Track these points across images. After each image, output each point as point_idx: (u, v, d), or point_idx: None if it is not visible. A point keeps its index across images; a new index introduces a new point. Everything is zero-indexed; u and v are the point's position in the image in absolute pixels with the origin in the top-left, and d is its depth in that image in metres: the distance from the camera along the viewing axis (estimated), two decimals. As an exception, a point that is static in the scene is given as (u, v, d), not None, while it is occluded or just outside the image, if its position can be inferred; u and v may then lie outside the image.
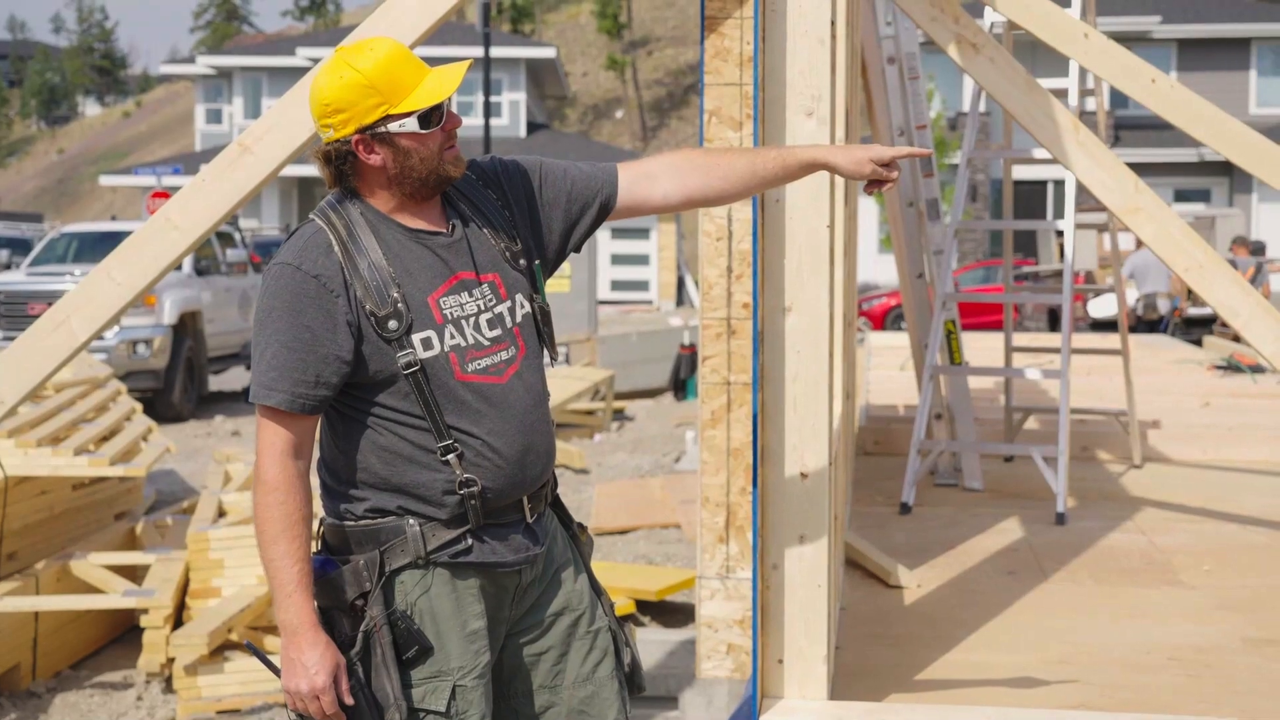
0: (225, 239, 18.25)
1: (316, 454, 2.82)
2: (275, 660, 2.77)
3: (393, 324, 2.68)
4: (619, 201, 2.96)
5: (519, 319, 2.81)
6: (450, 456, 2.71)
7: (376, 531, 2.73)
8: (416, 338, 2.69)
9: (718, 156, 3.01)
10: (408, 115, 2.68)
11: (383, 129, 2.67)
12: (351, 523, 2.75)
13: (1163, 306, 18.74)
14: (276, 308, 2.66)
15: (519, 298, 2.82)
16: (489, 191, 2.89)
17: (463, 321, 2.74)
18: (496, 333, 2.77)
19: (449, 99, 2.72)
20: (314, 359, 2.65)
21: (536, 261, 2.89)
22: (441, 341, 2.71)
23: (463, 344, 2.73)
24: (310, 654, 2.64)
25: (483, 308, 2.77)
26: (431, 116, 2.70)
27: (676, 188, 2.97)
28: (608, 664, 2.93)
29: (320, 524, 2.82)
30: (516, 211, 2.89)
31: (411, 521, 2.72)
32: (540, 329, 2.86)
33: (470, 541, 2.75)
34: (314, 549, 2.77)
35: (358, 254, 2.69)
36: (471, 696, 2.74)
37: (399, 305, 2.69)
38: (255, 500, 2.67)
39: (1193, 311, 18.63)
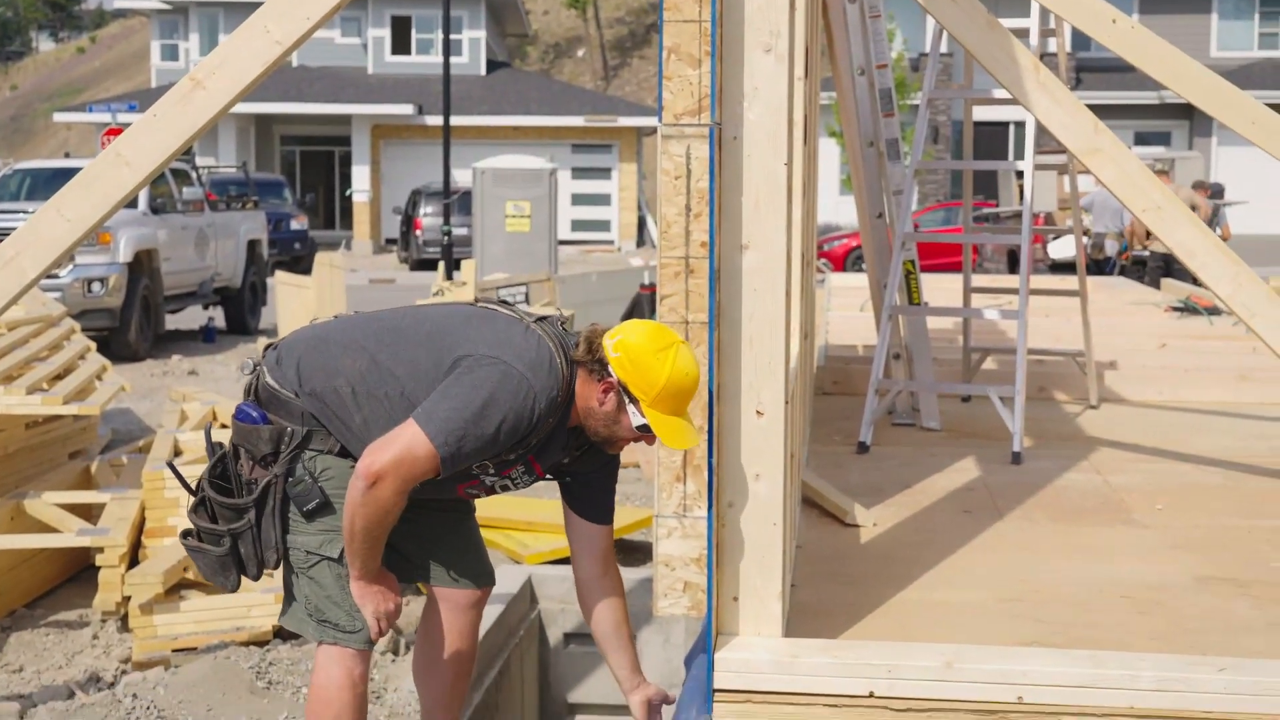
0: (182, 177, 18.06)
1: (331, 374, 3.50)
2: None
3: (512, 456, 3.52)
4: (570, 518, 3.80)
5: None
6: None
7: (316, 428, 3.47)
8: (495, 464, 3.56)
9: (612, 607, 3.87)
10: (643, 416, 3.45)
11: (626, 398, 3.47)
12: (301, 403, 3.46)
13: (1109, 248, 18.78)
14: (502, 403, 3.36)
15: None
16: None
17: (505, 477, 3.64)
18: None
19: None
20: (489, 452, 3.40)
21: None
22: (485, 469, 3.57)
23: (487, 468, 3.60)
24: (380, 593, 3.49)
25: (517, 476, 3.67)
26: (646, 428, 3.47)
27: (583, 581, 3.84)
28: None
29: (255, 377, 3.52)
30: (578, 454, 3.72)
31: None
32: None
33: None
34: (247, 397, 3.52)
35: (551, 415, 3.46)
36: None
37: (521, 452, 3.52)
38: (369, 503, 3.29)
39: (1136, 253, 18.64)
